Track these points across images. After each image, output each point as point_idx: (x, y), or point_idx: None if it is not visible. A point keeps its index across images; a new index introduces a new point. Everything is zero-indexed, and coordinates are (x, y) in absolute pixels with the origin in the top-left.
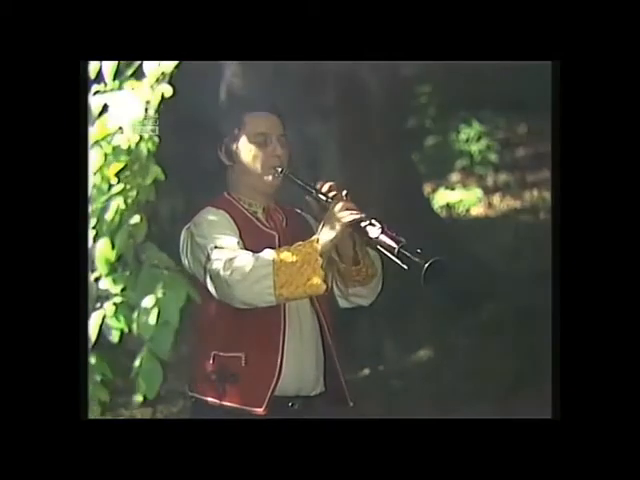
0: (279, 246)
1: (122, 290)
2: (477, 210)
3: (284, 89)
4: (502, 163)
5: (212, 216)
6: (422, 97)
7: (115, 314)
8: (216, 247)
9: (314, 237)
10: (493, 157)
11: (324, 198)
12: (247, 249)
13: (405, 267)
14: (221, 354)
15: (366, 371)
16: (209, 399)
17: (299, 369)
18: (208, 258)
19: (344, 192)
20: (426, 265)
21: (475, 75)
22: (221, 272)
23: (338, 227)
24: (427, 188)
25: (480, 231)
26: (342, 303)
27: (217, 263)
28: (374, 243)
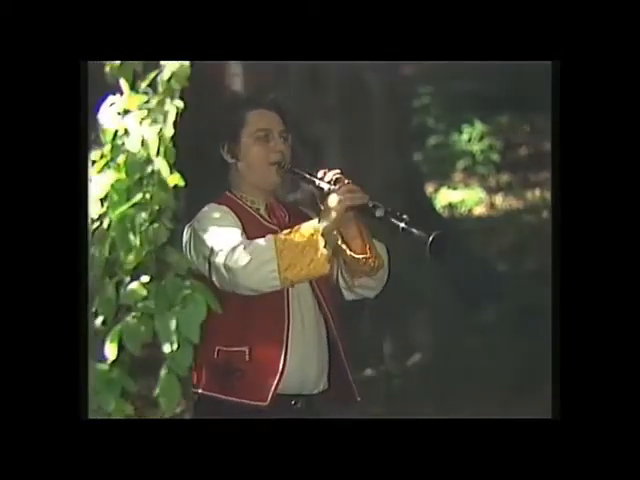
0: None
1: (144, 298)
2: (479, 210)
3: (286, 89)
4: (504, 163)
5: (215, 212)
6: (424, 97)
7: (137, 325)
8: (219, 239)
9: (315, 219)
10: (495, 157)
11: (327, 186)
12: None
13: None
14: (225, 349)
15: (367, 371)
16: (213, 394)
17: (302, 364)
18: (212, 251)
19: (346, 180)
20: (430, 238)
21: (477, 75)
22: (225, 261)
23: (340, 207)
24: (429, 188)
25: (482, 231)
26: (347, 295)
27: (221, 253)
28: (381, 221)
